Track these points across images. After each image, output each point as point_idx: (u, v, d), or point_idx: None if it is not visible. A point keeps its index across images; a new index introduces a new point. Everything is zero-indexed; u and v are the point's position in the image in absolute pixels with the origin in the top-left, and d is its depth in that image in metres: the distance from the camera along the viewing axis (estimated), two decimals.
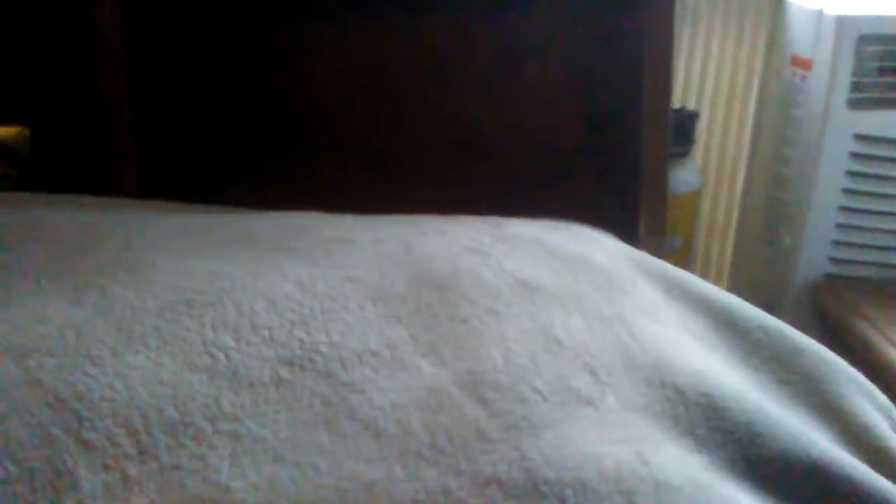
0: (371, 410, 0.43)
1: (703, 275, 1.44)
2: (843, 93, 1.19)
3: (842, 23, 1.17)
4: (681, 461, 0.45)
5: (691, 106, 1.35)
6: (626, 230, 0.85)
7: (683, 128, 1.29)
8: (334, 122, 0.92)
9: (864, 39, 1.18)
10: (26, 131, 0.82)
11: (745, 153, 1.38)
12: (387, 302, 0.50)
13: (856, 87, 1.19)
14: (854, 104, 1.20)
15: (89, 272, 0.51)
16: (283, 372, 0.44)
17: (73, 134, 0.83)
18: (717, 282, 1.44)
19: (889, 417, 0.62)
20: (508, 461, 0.41)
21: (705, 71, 1.34)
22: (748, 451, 0.49)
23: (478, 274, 0.54)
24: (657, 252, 0.87)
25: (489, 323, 0.50)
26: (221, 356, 0.45)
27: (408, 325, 0.48)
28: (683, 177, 1.29)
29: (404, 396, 0.44)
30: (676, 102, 1.33)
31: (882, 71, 1.20)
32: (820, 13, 1.21)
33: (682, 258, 1.35)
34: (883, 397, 0.63)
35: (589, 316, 0.53)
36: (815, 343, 0.64)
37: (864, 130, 1.21)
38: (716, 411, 0.49)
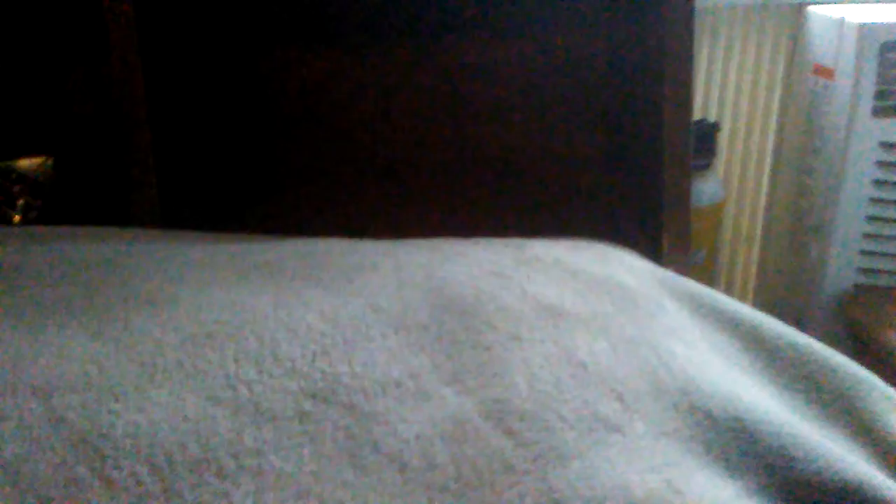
0: (395, 443, 0.42)
1: (729, 288, 1.42)
2: (867, 101, 1.18)
3: (864, 31, 1.16)
4: (713, 488, 0.44)
5: (712, 117, 1.33)
6: (651, 247, 0.85)
7: (705, 139, 1.28)
8: (355, 146, 0.92)
9: (887, 47, 1.16)
10: (50, 162, 0.83)
11: (768, 164, 1.37)
12: (409, 330, 0.50)
13: (880, 94, 1.18)
14: (879, 112, 1.18)
15: (111, 306, 0.51)
16: (307, 404, 0.44)
17: (96, 164, 0.84)
18: (742, 295, 1.42)
19: None
20: (536, 493, 0.40)
21: (726, 81, 1.33)
22: (782, 476, 0.47)
23: (500, 298, 0.54)
24: (683, 268, 0.86)
25: (513, 349, 0.49)
26: (244, 389, 0.44)
27: (430, 354, 0.48)
28: (706, 189, 1.28)
29: (428, 427, 0.43)
30: (697, 113, 1.32)
31: None
32: (842, 21, 1.19)
33: (707, 272, 1.33)
34: None
35: (614, 339, 0.53)
36: (847, 359, 0.62)
37: (891, 138, 1.19)
38: (747, 435, 0.48)
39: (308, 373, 0.45)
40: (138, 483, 0.39)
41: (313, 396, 0.44)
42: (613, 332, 0.53)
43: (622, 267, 0.65)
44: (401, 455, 0.42)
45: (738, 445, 0.48)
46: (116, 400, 0.44)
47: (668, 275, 0.68)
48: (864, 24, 1.16)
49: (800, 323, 1.29)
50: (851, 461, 0.51)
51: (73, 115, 0.84)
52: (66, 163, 0.84)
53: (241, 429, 0.42)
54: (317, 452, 0.41)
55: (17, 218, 0.79)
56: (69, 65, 0.83)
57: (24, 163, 0.81)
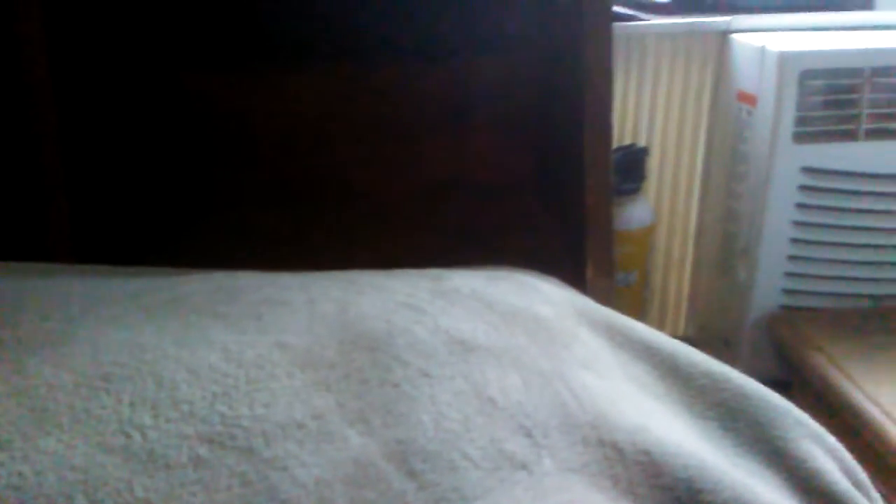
0: (293, 489, 0.41)
1: (661, 310, 1.44)
2: (788, 127, 1.21)
3: (784, 59, 1.19)
4: None
5: (642, 142, 1.36)
6: (575, 273, 0.85)
7: (634, 164, 1.30)
8: (279, 173, 0.91)
9: (806, 74, 1.20)
10: None
11: (697, 188, 1.40)
12: (316, 368, 0.49)
13: (801, 121, 1.21)
14: (800, 138, 1.22)
15: (4, 346, 0.49)
16: (202, 450, 0.42)
17: (5, 194, 0.81)
18: (674, 317, 1.44)
19: (839, 460, 0.61)
20: None
21: (654, 107, 1.35)
22: None
23: (412, 333, 0.53)
24: (607, 293, 0.86)
25: (421, 386, 0.48)
26: (137, 435, 0.43)
27: (336, 392, 0.47)
28: (636, 213, 1.30)
29: (329, 471, 0.42)
30: (626, 139, 1.34)
31: (826, 104, 1.22)
32: (763, 49, 1.23)
33: (639, 293, 1.35)
34: (832, 440, 0.62)
35: (526, 373, 0.52)
36: (763, 387, 0.63)
37: (812, 163, 1.22)
38: (655, 468, 0.48)
39: (206, 416, 0.44)
40: None
41: (210, 441, 0.43)
42: (525, 366, 0.53)
43: (540, 297, 0.65)
44: (298, 501, 0.40)
45: (645, 479, 0.48)
46: (1, 449, 0.42)
47: (587, 304, 0.69)
48: (785, 52, 1.20)
49: (728, 344, 1.31)
50: (760, 491, 0.51)
51: None
52: None
53: (132, 477, 0.41)
54: (210, 500, 0.40)
55: None
56: None
57: None
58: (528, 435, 0.47)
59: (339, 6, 0.88)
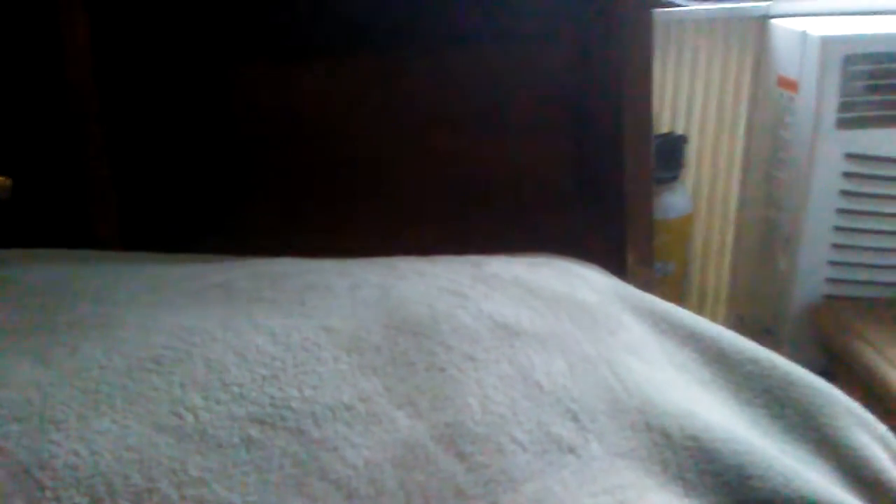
0: (343, 469, 0.41)
1: (700, 299, 1.42)
2: (831, 113, 1.19)
3: (826, 43, 1.17)
4: None
5: (680, 130, 1.34)
6: (615, 262, 0.84)
7: (672, 152, 1.29)
8: (321, 164, 0.91)
9: (849, 59, 1.17)
10: (8, 183, 0.81)
11: (736, 176, 1.38)
12: (362, 352, 0.49)
13: (844, 106, 1.19)
14: (843, 124, 1.19)
15: (58, 330, 0.50)
16: (253, 431, 0.43)
17: (55, 185, 0.82)
18: (714, 306, 1.42)
19: (888, 448, 0.60)
20: None
21: (693, 94, 1.34)
22: (739, 495, 0.47)
23: (456, 317, 0.53)
24: (648, 282, 0.86)
25: (467, 370, 0.48)
26: (189, 416, 0.43)
27: (383, 376, 0.47)
28: (674, 202, 1.28)
29: (378, 453, 0.42)
30: (664, 127, 1.33)
31: (869, 89, 1.20)
32: (804, 34, 1.21)
33: (678, 284, 1.33)
34: (882, 427, 0.61)
35: (572, 358, 0.52)
36: (809, 374, 0.62)
37: (856, 149, 1.20)
38: (705, 454, 0.48)
39: (256, 398, 0.44)
40: None
41: (261, 422, 0.43)
42: (571, 351, 0.53)
43: (583, 283, 0.64)
44: (349, 482, 0.41)
45: (695, 465, 0.47)
46: (58, 429, 0.42)
47: (629, 290, 0.68)
48: (827, 36, 1.17)
49: (770, 334, 1.30)
50: (810, 478, 0.50)
51: (31, 136, 0.83)
52: (25, 184, 0.83)
53: (185, 457, 0.41)
54: (262, 481, 0.40)
55: None
56: (26, 86, 0.82)
57: None
58: (575, 419, 0.47)
59: None
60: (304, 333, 0.50)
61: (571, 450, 0.45)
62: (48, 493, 0.39)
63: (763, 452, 0.50)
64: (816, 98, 1.18)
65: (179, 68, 0.85)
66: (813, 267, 1.25)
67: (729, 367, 0.61)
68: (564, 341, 0.54)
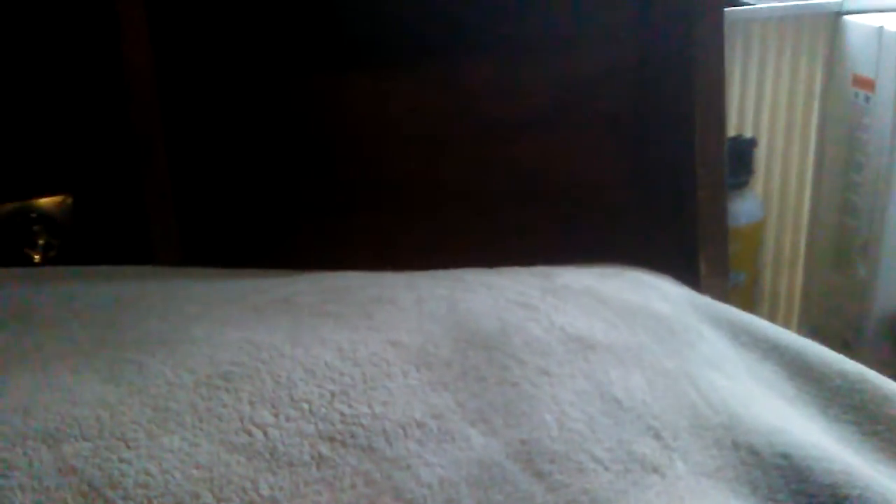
0: (418, 488, 0.40)
1: (772, 311, 1.37)
2: None
3: None
4: None
5: (749, 133, 1.30)
6: (687, 272, 0.81)
7: (741, 157, 1.25)
8: (378, 173, 0.91)
9: None
10: (69, 200, 0.83)
11: (809, 180, 1.33)
12: (431, 366, 0.47)
13: None
14: None
15: (125, 347, 0.50)
16: (324, 448, 0.41)
17: (116, 202, 0.83)
18: (786, 318, 1.37)
19: None
20: None
21: (761, 95, 1.29)
22: None
23: (527, 331, 0.51)
24: (722, 293, 0.82)
25: (541, 385, 0.46)
26: (259, 434, 0.42)
27: (454, 392, 0.46)
28: (744, 208, 1.24)
29: (453, 471, 0.41)
30: (732, 130, 1.29)
31: None
32: (881, 30, 1.16)
33: (748, 294, 1.29)
34: None
35: (650, 372, 0.50)
36: None
37: None
38: (797, 473, 0.45)
39: (326, 414, 0.43)
40: None
41: (331, 440, 0.42)
42: (649, 365, 0.50)
43: (656, 294, 0.62)
44: (424, 501, 0.39)
45: (786, 484, 0.45)
46: (128, 447, 0.42)
47: (705, 301, 0.65)
48: None
49: (848, 347, 1.24)
50: None
51: (93, 153, 0.84)
52: (86, 201, 0.84)
53: (256, 476, 0.40)
54: (334, 499, 0.39)
55: (37, 257, 0.79)
56: (87, 102, 0.83)
57: (44, 202, 0.81)
58: (658, 437, 0.45)
59: (432, 4, 0.87)
60: (371, 348, 0.49)
61: (655, 469, 0.42)
62: None
63: (859, 472, 0.47)
64: (895, 97, 1.13)
65: (237, 84, 0.86)
66: (893, 274, 1.19)
67: (815, 381, 0.58)
68: (641, 354, 0.51)
